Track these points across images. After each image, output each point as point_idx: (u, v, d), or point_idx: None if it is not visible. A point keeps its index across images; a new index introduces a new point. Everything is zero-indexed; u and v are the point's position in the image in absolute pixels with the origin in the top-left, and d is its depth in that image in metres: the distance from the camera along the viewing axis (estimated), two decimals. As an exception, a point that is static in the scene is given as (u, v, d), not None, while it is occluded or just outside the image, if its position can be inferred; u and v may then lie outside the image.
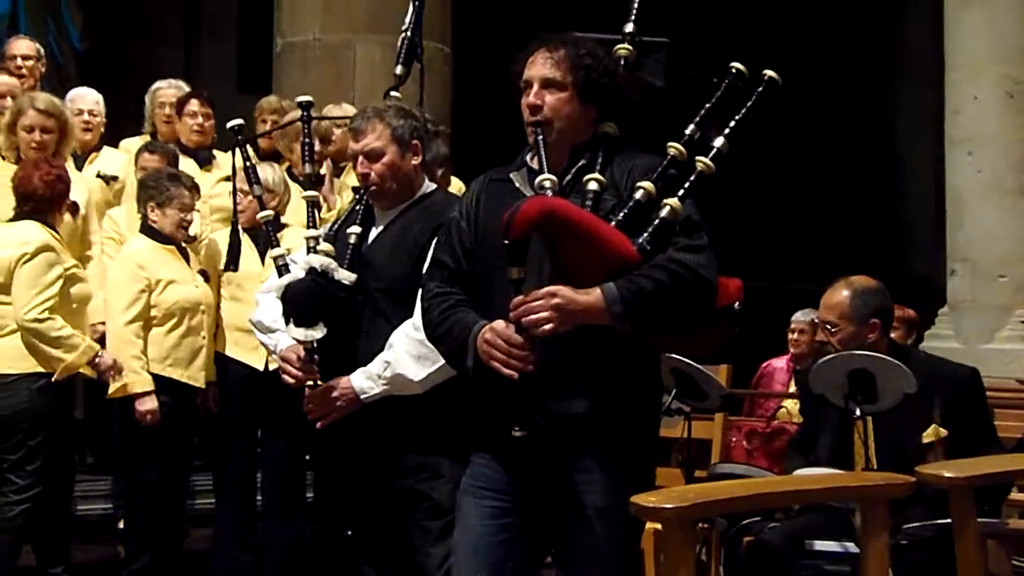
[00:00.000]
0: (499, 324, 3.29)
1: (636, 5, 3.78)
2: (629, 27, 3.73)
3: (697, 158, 3.43)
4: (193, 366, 5.79)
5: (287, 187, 6.13)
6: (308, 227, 4.41)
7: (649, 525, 4.06)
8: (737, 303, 3.45)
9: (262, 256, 5.91)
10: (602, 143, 3.51)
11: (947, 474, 3.52)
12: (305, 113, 4.65)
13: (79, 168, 6.79)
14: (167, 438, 5.71)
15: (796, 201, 13.15)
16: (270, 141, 6.96)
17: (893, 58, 13.84)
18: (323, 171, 6.78)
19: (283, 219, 6.03)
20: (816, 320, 4.97)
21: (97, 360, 5.54)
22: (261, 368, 5.87)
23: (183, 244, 5.92)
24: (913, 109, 13.39)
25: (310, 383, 4.18)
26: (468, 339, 3.38)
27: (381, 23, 8.21)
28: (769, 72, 3.53)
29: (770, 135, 12.67)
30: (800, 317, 8.33)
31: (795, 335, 8.35)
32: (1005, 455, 4.84)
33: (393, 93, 4.54)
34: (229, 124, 4.72)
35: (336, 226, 4.42)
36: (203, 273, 5.96)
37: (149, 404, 5.62)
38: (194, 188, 5.91)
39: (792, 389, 8.28)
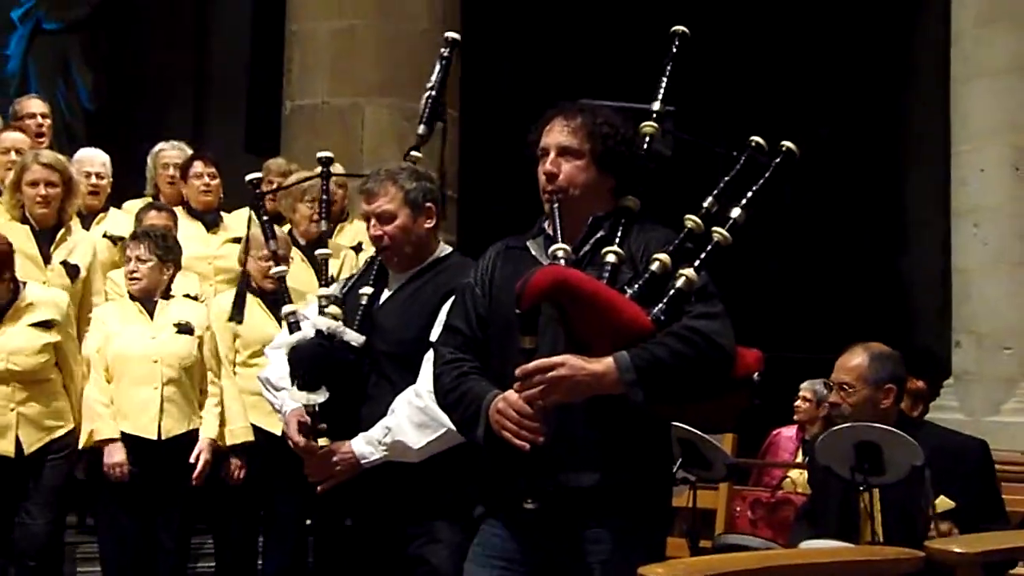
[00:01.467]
0: (511, 395, 3.27)
1: (664, 82, 3.76)
2: (656, 105, 3.72)
3: (714, 229, 3.44)
4: (143, 418, 5.64)
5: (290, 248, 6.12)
6: (320, 285, 4.40)
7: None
8: (756, 373, 3.44)
9: (278, 319, 5.89)
10: (621, 216, 3.50)
11: (956, 549, 3.47)
12: (325, 169, 4.66)
13: (86, 229, 6.80)
14: (130, 493, 5.63)
15: (802, 271, 13.16)
16: (274, 204, 6.97)
17: (899, 130, 13.88)
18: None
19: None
20: (829, 382, 4.94)
21: None
22: (278, 433, 5.80)
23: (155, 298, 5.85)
24: (919, 181, 13.40)
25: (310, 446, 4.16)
26: (480, 409, 3.35)
27: (389, 86, 8.28)
28: (787, 144, 3.55)
29: (777, 207, 12.72)
30: (807, 386, 8.33)
31: (799, 402, 8.35)
32: (1014, 531, 4.80)
33: (414, 153, 4.54)
34: (248, 177, 4.73)
35: (348, 286, 4.40)
36: (183, 327, 5.80)
37: (117, 456, 5.57)
38: (168, 242, 5.89)
39: (799, 458, 8.26)
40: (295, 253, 6.13)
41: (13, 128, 7.07)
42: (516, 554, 3.43)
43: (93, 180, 6.97)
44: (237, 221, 6.89)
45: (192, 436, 5.76)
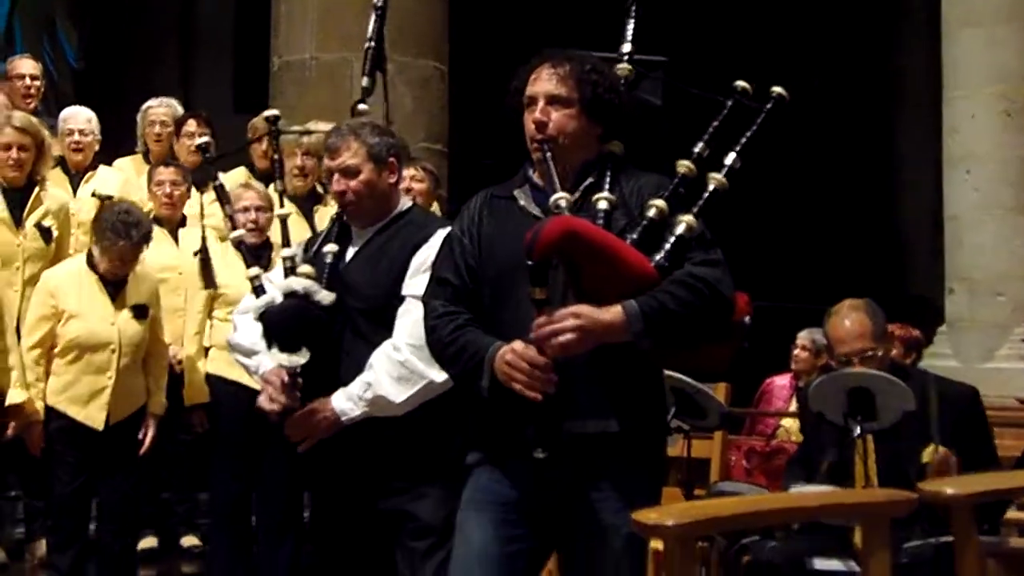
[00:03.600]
0: (519, 345, 3.26)
1: (631, 26, 3.77)
2: (626, 47, 3.71)
3: (710, 174, 3.44)
4: (92, 406, 5.57)
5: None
6: (283, 246, 4.38)
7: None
8: (747, 317, 3.45)
9: None
10: (608, 161, 3.49)
11: (948, 491, 3.49)
12: (273, 128, 4.64)
13: (74, 188, 6.78)
14: (73, 459, 5.58)
15: (795, 221, 13.18)
16: (267, 161, 6.93)
17: (890, 79, 13.86)
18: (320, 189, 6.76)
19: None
20: (841, 357, 4.88)
21: None
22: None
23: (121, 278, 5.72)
24: (911, 129, 13.40)
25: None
26: (484, 361, 3.34)
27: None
28: (777, 89, 3.55)
29: (769, 156, 12.69)
30: (804, 334, 8.33)
31: (797, 351, 8.35)
32: (1006, 472, 4.82)
33: (361, 106, 4.51)
34: (196, 142, 4.69)
35: (313, 245, 4.38)
36: (139, 308, 5.72)
37: (32, 434, 5.53)
38: (144, 238, 5.61)
39: (794, 407, 8.28)
40: (289, 206, 6.07)
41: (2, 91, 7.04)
42: (514, 500, 3.44)
43: (76, 137, 6.92)
44: (230, 181, 6.87)
45: (138, 414, 5.74)
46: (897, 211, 13.95)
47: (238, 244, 4.64)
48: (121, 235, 5.49)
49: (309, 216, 6.44)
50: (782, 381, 8.60)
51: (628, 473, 3.37)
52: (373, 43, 4.66)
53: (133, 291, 5.72)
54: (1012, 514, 5.56)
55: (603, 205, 3.37)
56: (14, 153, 6.04)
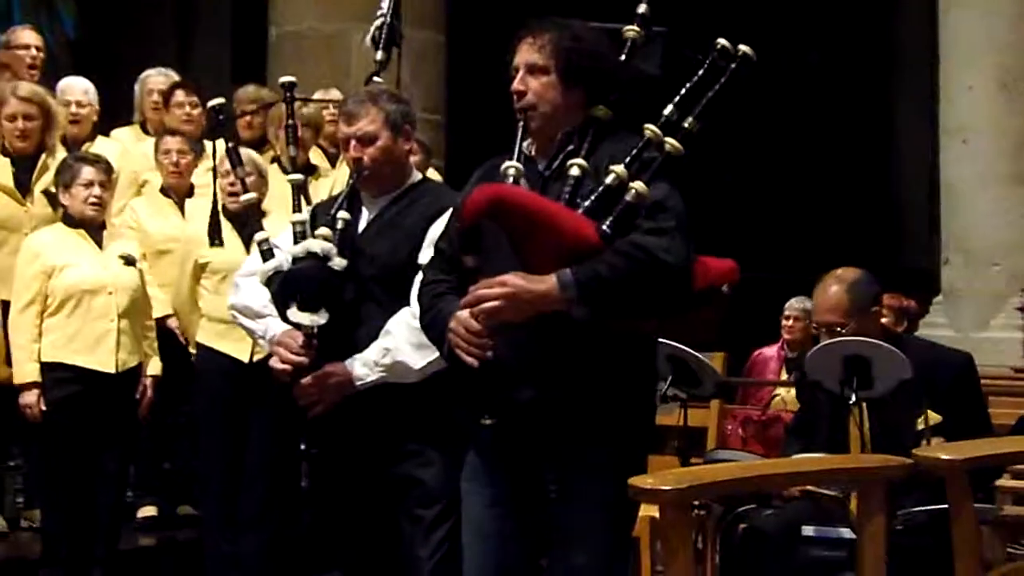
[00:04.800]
0: (462, 313, 3.30)
1: None
2: (642, 8, 3.65)
3: (665, 139, 3.36)
4: (100, 351, 5.56)
5: (265, 176, 6.02)
6: (294, 211, 4.34)
7: (643, 513, 4.05)
8: (726, 285, 3.44)
9: (246, 244, 5.76)
10: (591, 127, 3.47)
11: (944, 456, 3.51)
12: (288, 95, 4.61)
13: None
14: (75, 427, 5.55)
15: (791, 191, 13.17)
16: (253, 131, 6.90)
17: (887, 49, 13.85)
18: (315, 160, 6.76)
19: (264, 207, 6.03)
20: (815, 325, 4.93)
21: None
22: (246, 360, 5.75)
23: (100, 225, 5.74)
24: (907, 99, 13.40)
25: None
26: (445, 328, 3.39)
27: (377, 12, 8.21)
28: (744, 48, 3.45)
29: (766, 127, 12.70)
30: (795, 304, 8.35)
31: (790, 322, 8.38)
32: (1001, 438, 4.84)
33: (376, 79, 4.51)
34: (210, 103, 4.67)
35: (325, 211, 4.34)
36: (127, 258, 5.72)
37: (29, 397, 5.51)
38: (100, 163, 5.69)
39: (783, 377, 8.32)
40: (279, 177, 6.06)
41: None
42: (490, 473, 3.49)
43: (74, 108, 6.85)
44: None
45: (139, 369, 5.73)
46: (893, 181, 13.95)
47: (249, 207, 4.60)
48: (85, 161, 5.64)
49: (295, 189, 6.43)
50: (770, 352, 8.63)
51: (599, 442, 3.35)
52: (388, 16, 4.64)
53: (116, 242, 5.76)
54: (1006, 481, 5.61)
55: (574, 172, 3.35)
56: (20, 123, 6.04)
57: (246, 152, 5.97)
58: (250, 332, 4.51)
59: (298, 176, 4.48)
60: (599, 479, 3.34)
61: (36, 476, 6.07)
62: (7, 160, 6.11)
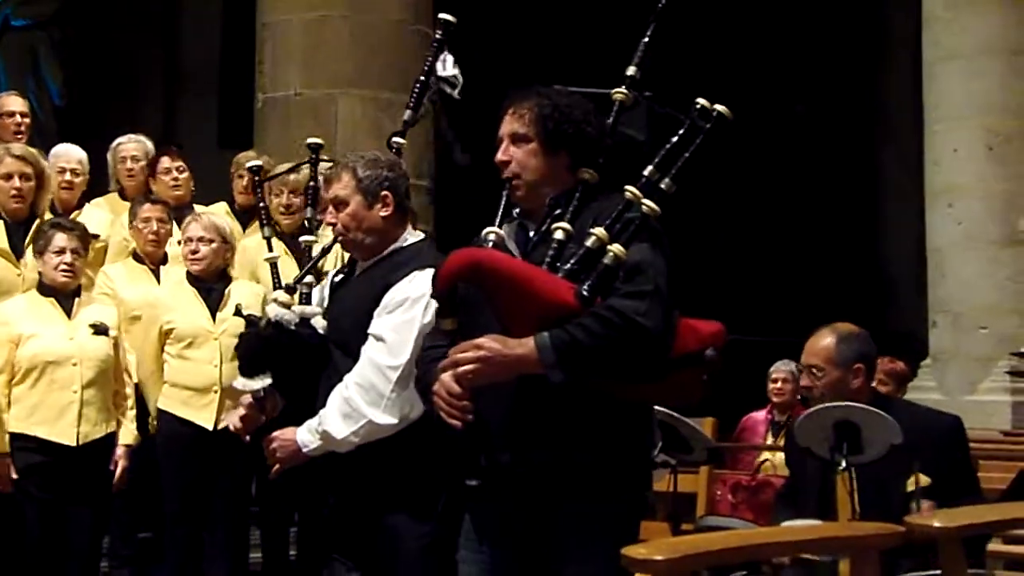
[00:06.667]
0: (445, 376, 3.30)
1: (640, 51, 3.70)
2: (630, 71, 3.67)
3: (643, 200, 3.36)
4: (61, 423, 5.51)
5: (231, 242, 6.09)
6: (274, 288, 4.48)
7: (635, 580, 4.01)
8: (710, 348, 3.43)
9: (213, 313, 5.90)
10: (577, 190, 3.48)
11: (936, 523, 3.49)
12: (313, 156, 4.72)
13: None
14: (43, 498, 5.51)
15: (777, 253, 13.20)
16: (247, 197, 6.88)
17: (874, 109, 13.94)
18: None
19: (232, 271, 6.11)
20: (799, 366, 4.97)
21: None
22: (210, 428, 5.79)
23: (73, 292, 5.72)
24: (894, 161, 13.47)
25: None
26: None
27: (362, 78, 8.25)
28: (719, 107, 3.46)
29: (752, 187, 12.75)
30: (781, 367, 8.34)
31: (778, 384, 8.38)
32: (994, 504, 4.82)
33: (396, 139, 4.52)
34: (248, 164, 4.73)
35: (333, 273, 4.48)
36: (98, 327, 5.66)
37: (3, 470, 5.45)
38: (75, 230, 5.70)
39: (770, 441, 8.29)
40: (278, 244, 6.07)
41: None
42: (474, 540, 3.50)
43: (68, 176, 6.87)
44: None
45: (109, 439, 5.67)
46: (880, 243, 14.00)
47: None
48: (60, 228, 5.65)
49: (299, 252, 6.44)
50: (759, 416, 8.63)
51: (589, 508, 3.35)
52: (424, 76, 4.63)
53: (88, 310, 5.73)
54: (997, 546, 5.57)
55: (558, 235, 3.36)
56: (16, 182, 6.01)
57: (207, 217, 6.00)
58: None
59: (310, 238, 4.58)
60: (592, 546, 3.33)
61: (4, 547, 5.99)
62: (0, 223, 6.08)
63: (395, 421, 3.91)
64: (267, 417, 4.29)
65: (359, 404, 3.96)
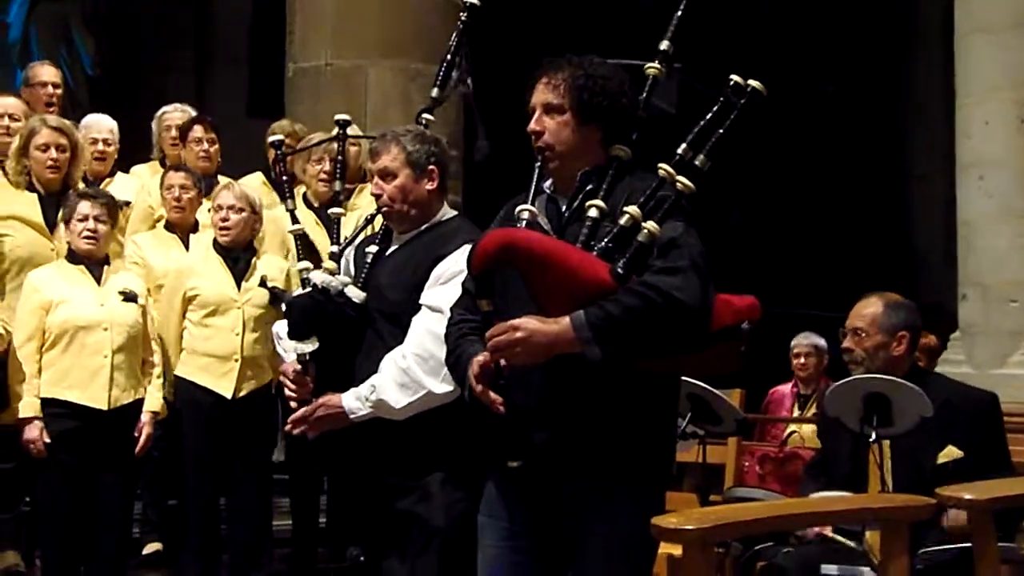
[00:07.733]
0: (482, 357, 3.31)
1: (674, 24, 3.67)
2: (664, 44, 3.63)
3: (677, 178, 3.34)
4: (93, 387, 5.57)
5: (259, 212, 6.08)
6: (332, 243, 4.51)
7: (662, 551, 4.03)
8: (747, 322, 3.43)
9: (238, 282, 5.92)
10: (611, 166, 3.46)
11: (968, 496, 3.50)
12: (341, 131, 4.75)
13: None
14: (75, 462, 5.58)
15: (807, 227, 13.16)
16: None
17: (903, 85, 13.85)
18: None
19: (263, 245, 6.14)
20: (843, 330, 4.96)
21: None
22: (229, 396, 5.84)
23: (102, 260, 5.78)
24: (924, 134, 13.39)
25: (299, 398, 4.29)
26: (466, 370, 3.39)
27: (393, 48, 8.25)
28: (753, 83, 3.42)
29: (782, 162, 12.71)
30: (802, 340, 8.35)
31: (801, 359, 8.38)
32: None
33: (425, 116, 4.53)
34: (270, 139, 4.77)
35: (357, 243, 4.49)
36: (127, 294, 5.72)
37: (32, 432, 5.51)
38: (99, 198, 5.74)
39: (796, 414, 8.30)
40: (308, 215, 6.11)
41: (9, 93, 7.04)
42: (511, 510, 3.48)
43: (100, 147, 6.94)
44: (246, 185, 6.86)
45: (137, 406, 5.71)
46: (910, 217, 13.94)
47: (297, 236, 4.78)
48: (84, 196, 5.72)
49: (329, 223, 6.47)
50: (785, 389, 8.63)
51: (617, 482, 3.35)
52: (450, 56, 4.62)
53: (117, 277, 5.79)
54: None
55: (592, 213, 3.34)
56: (53, 153, 6.05)
57: (239, 187, 6.02)
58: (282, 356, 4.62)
59: (338, 210, 4.63)
60: (619, 518, 3.34)
61: (37, 512, 6.05)
62: (34, 196, 6.13)
63: (451, 389, 3.91)
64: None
65: (418, 374, 4.00)
